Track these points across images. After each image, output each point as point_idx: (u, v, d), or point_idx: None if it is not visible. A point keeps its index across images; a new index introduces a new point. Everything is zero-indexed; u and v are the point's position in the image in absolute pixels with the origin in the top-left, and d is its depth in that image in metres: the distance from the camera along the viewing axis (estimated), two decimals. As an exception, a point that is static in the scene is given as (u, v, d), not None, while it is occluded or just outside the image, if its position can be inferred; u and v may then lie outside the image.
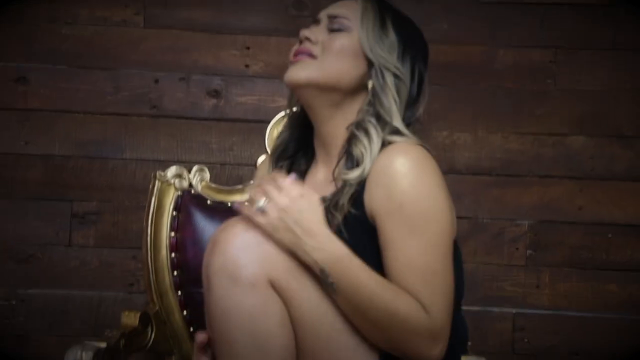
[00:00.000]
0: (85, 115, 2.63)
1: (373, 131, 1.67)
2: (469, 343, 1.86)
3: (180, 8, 2.66)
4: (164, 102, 2.65)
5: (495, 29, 2.65)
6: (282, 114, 2.45)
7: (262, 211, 1.54)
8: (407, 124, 1.72)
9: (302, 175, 1.85)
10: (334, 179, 1.70)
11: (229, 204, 2.37)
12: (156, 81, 2.65)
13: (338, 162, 1.72)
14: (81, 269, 2.62)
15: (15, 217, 2.62)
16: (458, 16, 2.62)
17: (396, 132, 1.68)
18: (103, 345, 1.89)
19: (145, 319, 2.16)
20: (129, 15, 2.65)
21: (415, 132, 1.72)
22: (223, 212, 2.29)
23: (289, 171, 1.83)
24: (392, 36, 1.73)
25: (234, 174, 2.64)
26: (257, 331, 1.54)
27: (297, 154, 1.88)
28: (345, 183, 1.65)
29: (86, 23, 2.65)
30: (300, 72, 1.72)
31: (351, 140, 1.69)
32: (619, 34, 2.64)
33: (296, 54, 1.75)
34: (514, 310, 2.59)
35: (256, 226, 1.56)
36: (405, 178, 1.60)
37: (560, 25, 2.65)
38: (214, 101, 2.66)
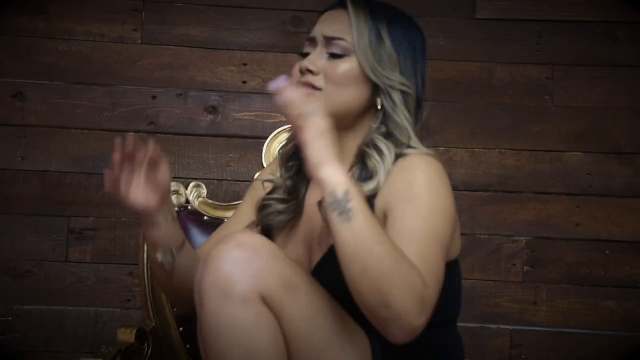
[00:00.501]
0: (83, 132, 2.64)
1: (384, 146, 1.68)
2: (466, 360, 1.87)
3: (177, 25, 2.67)
4: (162, 118, 2.66)
5: (492, 45, 2.65)
6: (279, 129, 2.44)
7: (312, 115, 1.53)
8: (418, 124, 1.75)
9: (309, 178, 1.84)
10: None
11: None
12: (154, 97, 2.65)
13: (350, 169, 1.71)
14: (78, 285, 2.62)
15: (11, 232, 2.61)
16: (455, 33, 2.63)
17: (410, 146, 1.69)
18: None
19: (142, 336, 2.15)
20: (127, 32, 2.66)
21: (423, 139, 1.74)
22: None
23: (298, 172, 1.83)
24: (389, 49, 1.73)
25: (231, 190, 2.64)
26: (250, 346, 1.53)
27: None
28: None
29: (84, 39, 2.65)
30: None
31: (363, 155, 1.70)
32: (617, 51, 2.65)
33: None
34: (511, 327, 2.59)
35: (248, 242, 1.56)
36: (424, 174, 1.63)
37: (557, 42, 2.66)
38: (211, 117, 2.66)
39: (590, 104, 2.64)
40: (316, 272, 1.71)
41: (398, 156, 1.69)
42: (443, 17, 2.63)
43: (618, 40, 2.65)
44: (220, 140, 2.66)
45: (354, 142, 1.75)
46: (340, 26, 1.73)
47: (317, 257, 1.73)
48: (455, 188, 2.56)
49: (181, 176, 2.61)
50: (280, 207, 1.83)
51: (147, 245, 1.85)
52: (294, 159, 1.84)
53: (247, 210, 1.93)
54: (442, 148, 2.57)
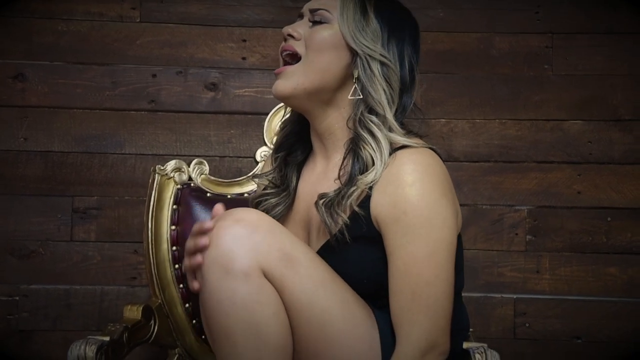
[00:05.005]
0: (84, 111, 2.64)
1: (377, 131, 1.68)
2: (471, 330, 1.89)
3: (176, 2, 2.67)
4: (162, 96, 2.66)
5: (491, 16, 2.65)
6: (280, 105, 2.47)
7: None
8: (404, 112, 1.74)
9: (300, 165, 1.87)
10: (339, 177, 1.71)
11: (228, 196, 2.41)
12: (154, 76, 2.65)
13: (343, 160, 1.73)
14: (83, 264, 2.63)
15: (16, 213, 2.62)
16: (454, 4, 2.63)
17: (392, 129, 1.69)
18: (106, 339, 1.91)
19: (147, 313, 2.18)
20: (126, 11, 2.66)
21: (412, 121, 1.74)
22: (223, 204, 2.32)
23: (285, 161, 1.87)
24: (374, 23, 1.73)
25: (233, 166, 2.65)
26: (252, 319, 1.55)
27: (294, 146, 1.89)
28: (352, 182, 1.67)
29: (82, 19, 2.65)
30: (285, 83, 1.75)
31: (357, 140, 1.70)
32: (615, 19, 2.64)
33: (282, 52, 1.77)
34: (514, 296, 2.60)
35: (246, 218, 1.59)
36: (411, 187, 1.62)
37: (556, 10, 2.65)
38: (211, 94, 2.67)
39: (589, 72, 2.64)
40: (319, 253, 1.71)
41: (391, 145, 1.69)
42: (441, -12, 2.63)
43: (617, 7, 2.64)
44: (221, 116, 2.66)
45: (340, 123, 1.76)
46: (328, 0, 1.76)
47: (320, 242, 1.74)
48: (456, 159, 2.62)
49: (183, 153, 2.63)
50: (274, 200, 1.85)
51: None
52: (280, 150, 1.89)
53: None
54: (443, 120, 2.58)
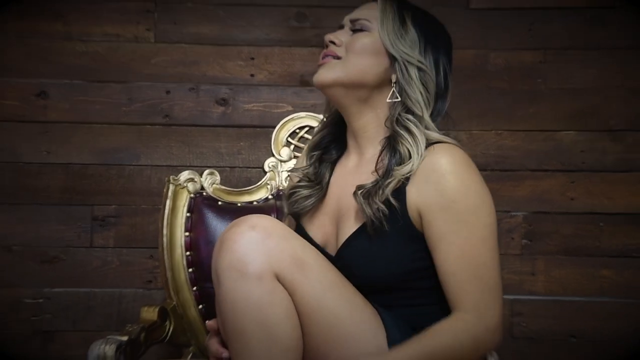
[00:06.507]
0: (102, 126, 2.66)
1: (414, 128, 1.70)
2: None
3: (188, 23, 2.69)
4: (175, 111, 2.68)
5: (486, 33, 2.67)
6: (286, 118, 2.54)
7: None
8: (438, 115, 1.77)
9: (333, 164, 1.90)
10: (376, 170, 1.73)
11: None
12: (167, 92, 2.68)
13: (380, 154, 1.75)
14: (102, 269, 2.65)
15: (39, 221, 2.64)
16: (451, 22, 2.50)
17: (426, 127, 1.73)
18: (125, 338, 1.95)
19: (163, 314, 2.24)
20: (141, 32, 2.68)
21: (443, 126, 1.78)
22: (233, 212, 2.38)
23: (320, 159, 1.89)
24: (412, 32, 1.76)
25: (242, 176, 2.66)
26: (265, 320, 1.57)
27: (330, 146, 1.91)
28: (388, 175, 1.69)
29: (100, 40, 2.68)
30: (326, 73, 1.77)
31: (394, 137, 1.73)
32: (605, 34, 2.66)
33: (323, 57, 1.80)
34: (511, 297, 2.60)
35: (261, 225, 1.61)
36: (454, 175, 1.65)
37: (548, 27, 2.67)
38: (222, 109, 2.68)
39: (580, 85, 2.65)
40: (347, 243, 1.74)
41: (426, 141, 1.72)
42: (439, 7, 2.49)
43: (606, 24, 2.65)
44: (231, 130, 2.68)
45: (375, 123, 1.79)
46: (367, 11, 1.80)
47: (349, 231, 1.75)
48: (455, 168, 2.60)
49: (195, 164, 2.65)
50: (306, 192, 1.87)
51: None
52: (316, 149, 1.91)
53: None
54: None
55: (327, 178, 1.88)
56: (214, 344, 1.73)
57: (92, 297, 2.65)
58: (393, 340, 1.65)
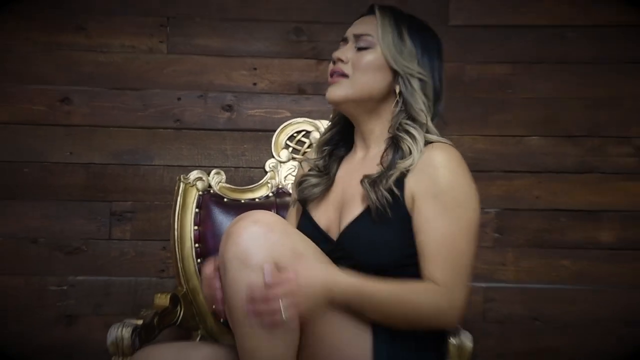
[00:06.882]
0: (120, 129, 2.72)
1: (415, 131, 1.78)
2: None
3: (197, 37, 2.74)
4: (186, 116, 2.74)
5: (463, 48, 2.75)
6: (285, 123, 2.62)
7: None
8: (436, 116, 1.84)
9: (340, 159, 1.97)
10: (381, 163, 1.80)
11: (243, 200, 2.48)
12: (179, 99, 2.74)
13: (385, 150, 1.82)
14: (120, 259, 2.72)
15: (63, 216, 2.70)
16: None
17: (428, 131, 1.80)
18: (140, 322, 2.03)
19: (175, 300, 2.31)
20: (155, 44, 2.74)
21: (438, 128, 1.84)
22: (238, 208, 2.45)
23: (330, 154, 1.96)
24: (409, 44, 1.83)
25: (246, 175, 2.72)
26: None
27: (339, 143, 1.99)
28: (392, 167, 1.76)
29: (118, 51, 2.73)
30: (337, 91, 1.84)
31: (397, 138, 1.79)
32: (566, 50, 2.75)
33: (332, 74, 1.86)
34: (484, 285, 2.70)
35: (263, 220, 1.65)
36: (447, 170, 1.72)
37: (517, 44, 2.76)
38: (227, 114, 2.75)
39: (546, 95, 2.74)
40: (349, 227, 1.79)
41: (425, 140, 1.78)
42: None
43: (568, 40, 2.75)
44: (236, 133, 2.74)
45: (381, 127, 1.86)
46: (368, 26, 1.87)
47: (352, 217, 1.80)
48: (434, 169, 2.58)
49: (203, 165, 2.71)
50: (315, 180, 1.93)
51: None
52: (327, 144, 1.98)
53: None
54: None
55: (335, 170, 1.94)
56: (208, 268, 1.75)
57: (111, 285, 2.71)
58: (380, 327, 1.73)
